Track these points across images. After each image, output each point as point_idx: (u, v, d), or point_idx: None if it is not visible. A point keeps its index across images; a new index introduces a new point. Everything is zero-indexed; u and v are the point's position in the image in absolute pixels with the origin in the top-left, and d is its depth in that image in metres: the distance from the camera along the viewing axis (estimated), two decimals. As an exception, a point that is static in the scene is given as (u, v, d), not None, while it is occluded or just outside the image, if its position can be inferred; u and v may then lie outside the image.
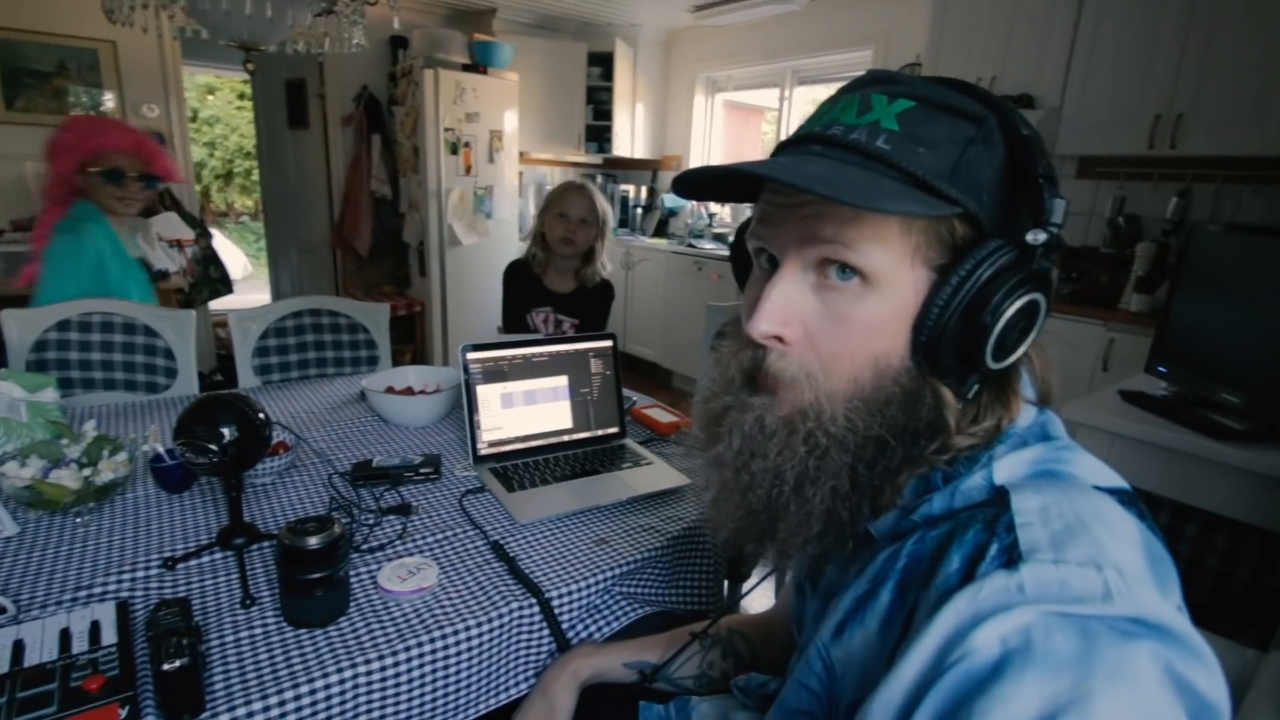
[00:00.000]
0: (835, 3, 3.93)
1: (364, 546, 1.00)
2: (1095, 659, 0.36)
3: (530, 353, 1.36)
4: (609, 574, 0.99)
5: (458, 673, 0.84)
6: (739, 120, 5.22)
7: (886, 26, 3.72)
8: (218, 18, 1.66)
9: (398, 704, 0.80)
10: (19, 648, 0.72)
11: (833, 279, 0.51)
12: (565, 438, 1.38)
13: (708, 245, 4.37)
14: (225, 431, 0.92)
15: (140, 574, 0.91)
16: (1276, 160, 2.38)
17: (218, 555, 0.96)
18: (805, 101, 4.41)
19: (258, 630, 0.81)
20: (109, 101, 3.64)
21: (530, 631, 0.90)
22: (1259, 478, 1.49)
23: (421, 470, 1.23)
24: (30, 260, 1.90)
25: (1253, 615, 0.97)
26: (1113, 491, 0.48)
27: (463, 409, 1.30)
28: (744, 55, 4.54)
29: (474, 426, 1.29)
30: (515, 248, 4.29)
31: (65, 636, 0.75)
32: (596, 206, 2.07)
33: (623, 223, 5.10)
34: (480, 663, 0.86)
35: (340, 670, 0.75)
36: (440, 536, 1.05)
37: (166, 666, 0.65)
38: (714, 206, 4.76)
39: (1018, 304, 0.48)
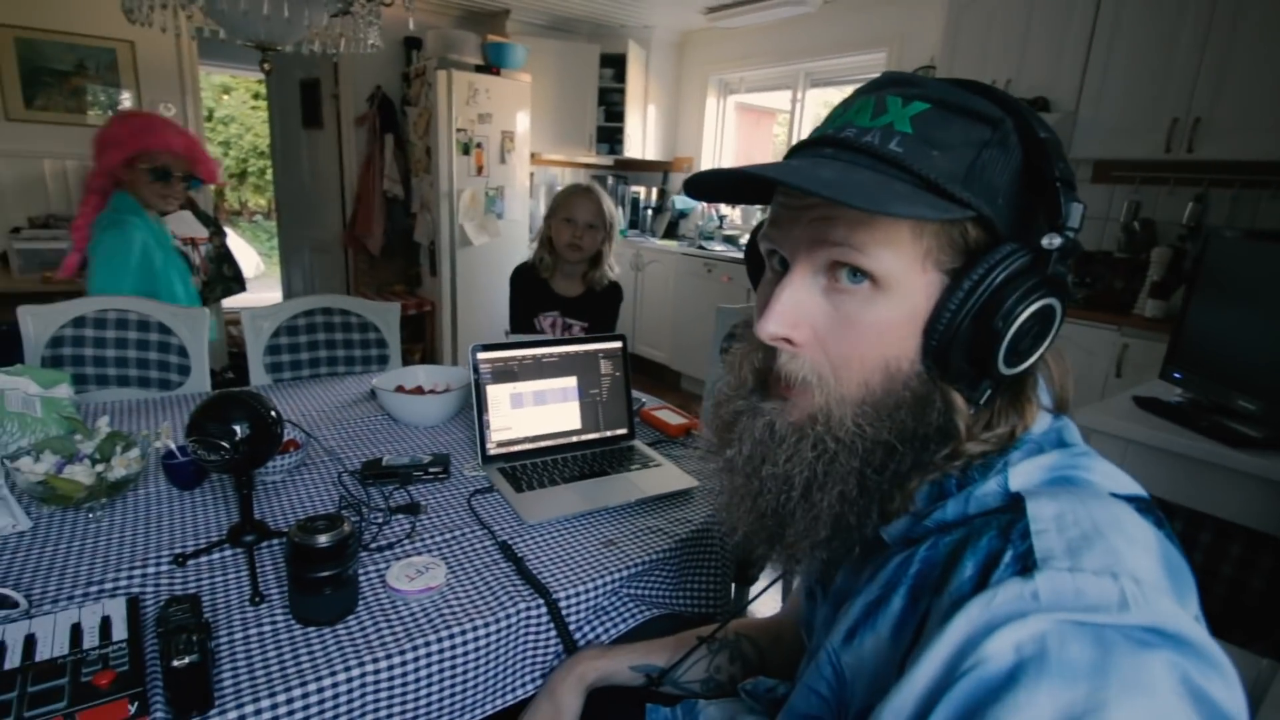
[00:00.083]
0: (849, 5, 3.91)
1: (373, 545, 1.00)
2: (1111, 669, 0.36)
3: (540, 353, 1.36)
4: (617, 575, 0.98)
5: (465, 673, 0.84)
6: (751, 122, 5.21)
7: (900, 29, 3.70)
8: (236, 18, 1.68)
9: (405, 703, 0.80)
10: (30, 642, 0.73)
11: (843, 282, 0.51)
12: (574, 439, 1.38)
13: (718, 247, 4.36)
14: (237, 429, 0.92)
15: (151, 570, 0.91)
16: (1295, 165, 2.36)
17: (228, 552, 0.96)
18: (818, 104, 4.40)
19: (266, 628, 0.81)
20: (126, 100, 3.67)
21: (537, 632, 0.90)
22: (1275, 485, 1.48)
23: (430, 470, 1.23)
24: (73, 250, 1.98)
25: (1267, 624, 0.96)
26: (1130, 499, 0.47)
27: (472, 409, 1.30)
28: (757, 57, 4.54)
29: (483, 426, 1.29)
30: (526, 248, 4.30)
31: (76, 632, 0.75)
32: (604, 210, 2.05)
33: (633, 224, 5.10)
34: (487, 663, 0.86)
35: (348, 669, 0.75)
36: (449, 536, 1.05)
37: (176, 663, 0.66)
38: (724, 208, 4.76)
39: (1031, 309, 0.48)
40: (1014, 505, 0.46)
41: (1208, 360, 1.76)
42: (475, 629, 0.84)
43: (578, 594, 0.94)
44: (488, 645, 0.85)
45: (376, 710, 0.78)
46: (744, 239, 4.52)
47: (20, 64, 3.39)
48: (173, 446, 1.13)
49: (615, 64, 4.73)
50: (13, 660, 0.70)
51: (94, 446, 1.09)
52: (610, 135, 4.89)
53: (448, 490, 1.20)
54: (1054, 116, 2.73)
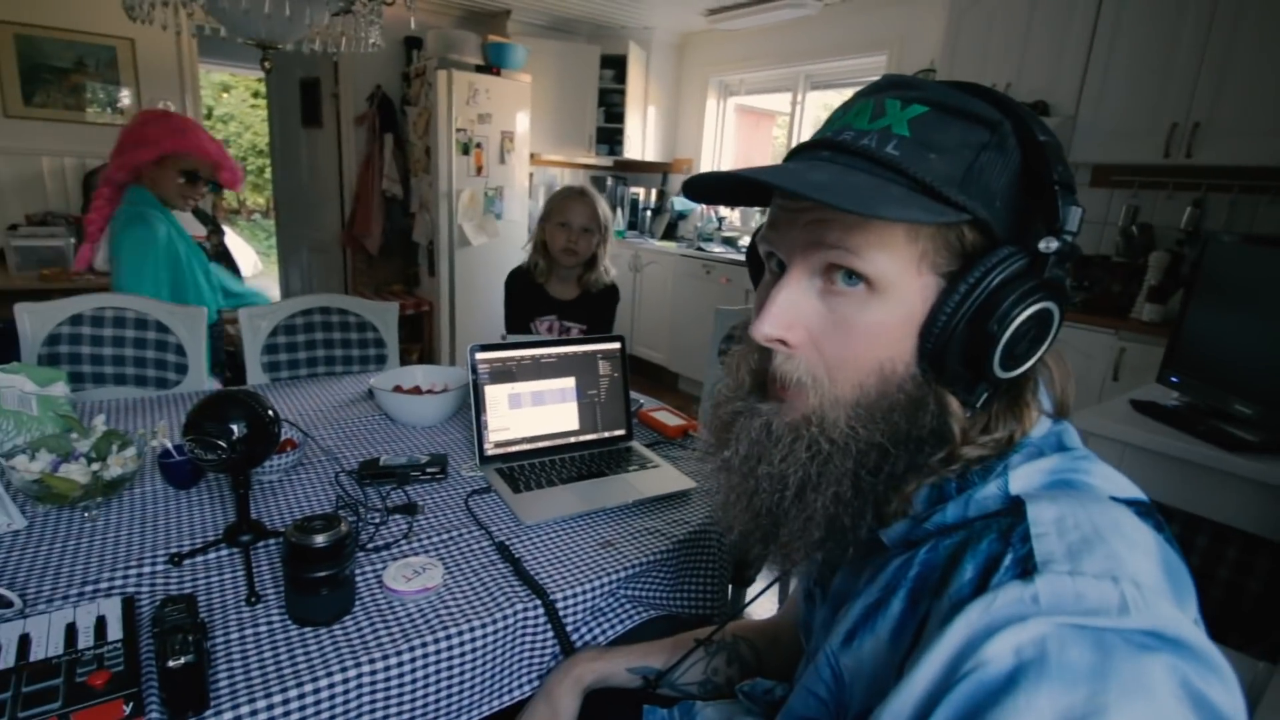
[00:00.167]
0: (849, 7, 3.92)
1: (369, 545, 1.00)
2: (1111, 672, 0.36)
3: (538, 354, 1.36)
4: (614, 577, 0.98)
5: (461, 674, 0.84)
6: (750, 124, 5.21)
7: (901, 31, 3.71)
8: (237, 16, 1.68)
9: (401, 704, 0.79)
10: (25, 642, 0.72)
11: (839, 284, 0.51)
12: (572, 439, 1.38)
13: (716, 249, 4.37)
14: (234, 428, 0.92)
15: (147, 570, 0.91)
16: (1294, 171, 2.36)
17: (224, 552, 0.96)
18: (818, 106, 4.40)
19: (263, 628, 0.81)
20: (125, 98, 3.67)
21: (535, 633, 0.90)
22: (1271, 489, 1.48)
23: (428, 470, 1.23)
24: (86, 240, 1.99)
25: (1264, 627, 0.96)
26: (1130, 503, 0.47)
27: (470, 409, 1.30)
28: (757, 59, 4.54)
29: (481, 427, 1.29)
30: (523, 250, 4.30)
31: (71, 631, 0.75)
32: (598, 213, 2.03)
33: (632, 225, 5.11)
34: (484, 664, 0.86)
35: (344, 669, 0.75)
36: (446, 536, 1.05)
37: (171, 663, 0.65)
38: (723, 210, 4.76)
39: (1027, 312, 0.47)
40: (1014, 508, 0.46)
41: (1205, 364, 1.76)
42: (472, 630, 0.84)
43: (575, 595, 0.94)
44: (485, 646, 0.85)
45: (373, 711, 0.77)
46: (743, 241, 4.54)
47: (20, 61, 3.38)
48: (169, 445, 1.13)
49: (615, 65, 4.74)
50: (7, 660, 0.70)
51: (90, 445, 1.09)
52: (610, 136, 4.89)
53: (445, 490, 1.20)
54: (1054, 120, 2.73)
